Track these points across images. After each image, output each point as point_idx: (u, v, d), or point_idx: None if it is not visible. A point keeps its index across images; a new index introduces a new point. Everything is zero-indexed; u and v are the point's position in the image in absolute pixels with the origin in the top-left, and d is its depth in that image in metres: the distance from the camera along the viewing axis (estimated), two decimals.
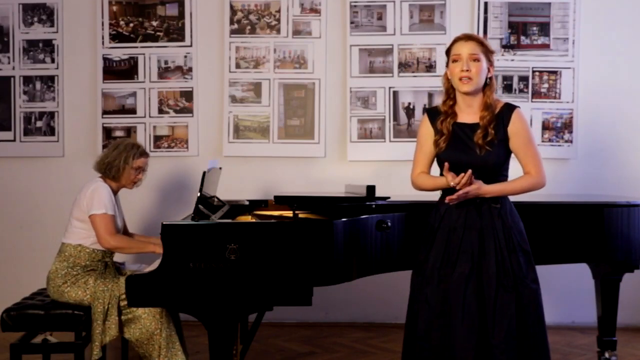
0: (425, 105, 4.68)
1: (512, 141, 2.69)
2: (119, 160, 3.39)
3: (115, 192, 3.46)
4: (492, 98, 2.70)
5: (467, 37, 2.71)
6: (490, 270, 2.61)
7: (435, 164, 2.83)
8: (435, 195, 2.92)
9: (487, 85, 2.70)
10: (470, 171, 2.57)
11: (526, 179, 2.71)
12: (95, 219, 3.28)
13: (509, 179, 2.74)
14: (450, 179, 2.60)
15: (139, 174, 3.47)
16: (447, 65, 2.74)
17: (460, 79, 2.65)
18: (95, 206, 3.29)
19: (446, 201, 2.63)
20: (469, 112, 2.71)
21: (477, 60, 2.65)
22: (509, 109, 2.70)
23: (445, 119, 2.72)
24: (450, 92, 2.75)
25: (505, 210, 2.69)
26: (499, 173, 2.70)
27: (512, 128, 2.68)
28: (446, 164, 2.64)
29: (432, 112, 2.81)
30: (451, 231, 2.68)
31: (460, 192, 2.58)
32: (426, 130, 2.79)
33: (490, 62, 2.70)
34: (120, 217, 3.49)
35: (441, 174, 2.71)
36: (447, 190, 2.70)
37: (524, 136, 2.69)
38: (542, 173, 2.71)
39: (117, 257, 3.79)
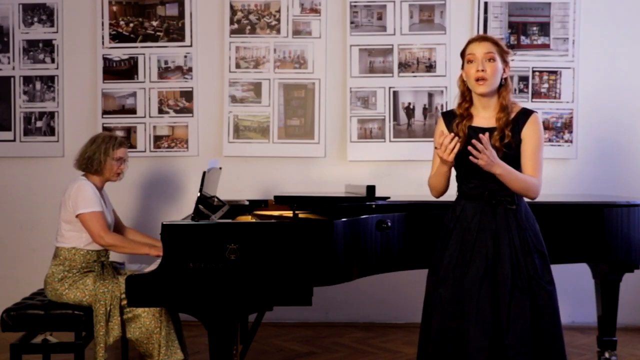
0: (425, 105, 4.68)
1: (522, 143, 2.66)
2: (98, 153, 3.36)
3: (100, 188, 3.43)
4: (508, 99, 2.67)
5: (482, 38, 2.69)
6: (505, 271, 2.59)
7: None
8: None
9: (503, 86, 2.67)
10: (452, 135, 2.52)
11: (530, 179, 2.63)
12: (84, 218, 3.26)
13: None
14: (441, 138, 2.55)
15: (121, 164, 3.43)
16: (462, 67, 2.72)
17: (477, 80, 2.62)
18: (81, 205, 3.27)
19: (472, 142, 2.51)
20: (485, 115, 2.69)
21: (492, 60, 2.62)
22: (526, 113, 2.68)
23: (461, 121, 2.69)
24: (465, 94, 2.72)
25: (520, 211, 2.67)
26: None
27: (526, 131, 2.65)
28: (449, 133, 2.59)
29: (447, 115, 2.79)
30: (466, 232, 2.67)
31: (481, 146, 2.49)
32: (441, 133, 2.75)
33: (505, 63, 2.67)
34: (109, 212, 3.45)
35: (457, 177, 2.72)
36: (464, 194, 2.71)
37: (535, 140, 2.65)
38: (540, 183, 2.67)
39: (116, 257, 3.80)
